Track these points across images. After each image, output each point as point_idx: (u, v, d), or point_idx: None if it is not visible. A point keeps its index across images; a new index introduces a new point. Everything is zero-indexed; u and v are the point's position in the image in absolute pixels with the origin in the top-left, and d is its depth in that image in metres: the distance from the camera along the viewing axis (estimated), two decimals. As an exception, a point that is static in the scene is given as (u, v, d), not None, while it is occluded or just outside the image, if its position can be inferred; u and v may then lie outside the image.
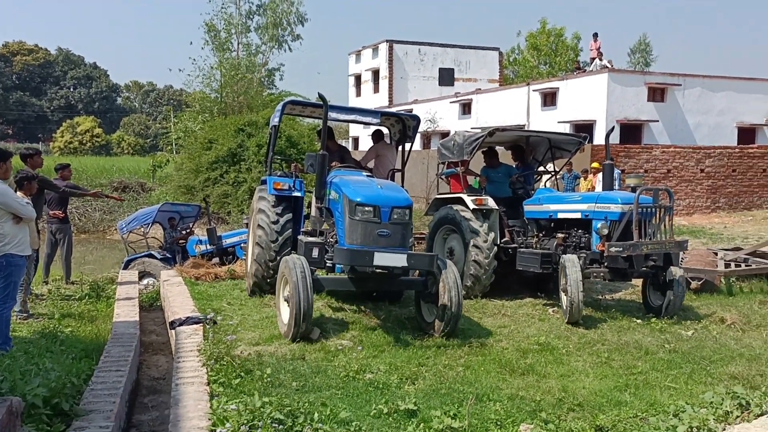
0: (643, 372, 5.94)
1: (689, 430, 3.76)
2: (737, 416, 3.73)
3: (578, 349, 6.69)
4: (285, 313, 6.68)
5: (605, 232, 7.83)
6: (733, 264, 10.18)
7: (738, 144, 26.43)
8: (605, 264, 7.87)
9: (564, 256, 7.83)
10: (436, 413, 4.53)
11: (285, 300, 6.69)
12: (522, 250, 8.88)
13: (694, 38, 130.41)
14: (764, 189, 23.79)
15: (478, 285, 8.81)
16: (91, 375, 5.38)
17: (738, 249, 11.33)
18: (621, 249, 7.62)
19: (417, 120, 9.08)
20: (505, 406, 4.92)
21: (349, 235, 6.55)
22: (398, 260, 6.36)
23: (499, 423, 4.52)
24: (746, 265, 10.07)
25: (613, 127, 10.40)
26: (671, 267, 8.03)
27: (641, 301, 8.77)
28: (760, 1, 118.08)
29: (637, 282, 9.25)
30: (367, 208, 6.48)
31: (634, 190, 8.46)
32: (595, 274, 8.00)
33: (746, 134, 28.26)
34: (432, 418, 4.49)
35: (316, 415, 4.45)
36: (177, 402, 4.71)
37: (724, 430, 3.64)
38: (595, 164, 16.20)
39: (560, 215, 8.66)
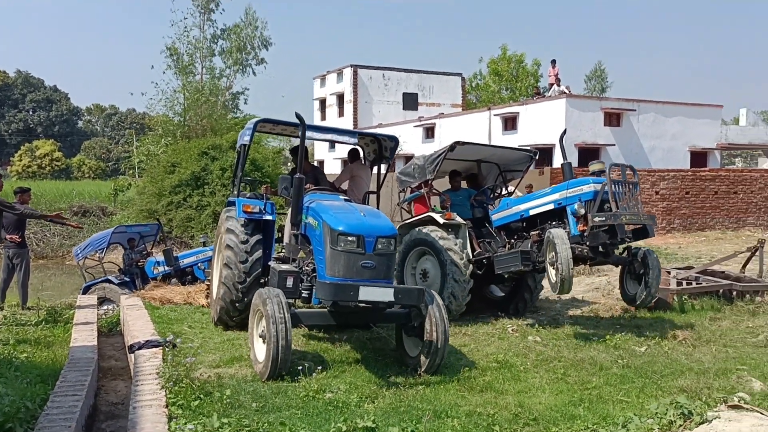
0: (597, 387, 6.10)
1: (635, 439, 3.92)
2: (680, 425, 3.90)
3: (535, 366, 6.85)
4: (260, 350, 6.23)
5: (582, 212, 7.98)
6: (684, 282, 10.52)
7: (691, 167, 27.34)
8: (587, 243, 8.01)
9: (551, 230, 7.88)
10: (394, 430, 4.60)
11: (260, 336, 6.25)
12: (499, 253, 8.94)
13: (647, 65, 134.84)
14: (716, 210, 24.61)
15: (456, 303, 8.75)
16: (46, 400, 5.31)
17: (689, 268, 11.71)
18: (604, 218, 7.76)
19: (395, 141, 8.75)
20: (463, 422, 5.02)
21: (330, 266, 6.14)
22: (385, 295, 5.99)
23: (455, 438, 4.61)
24: (697, 284, 10.41)
25: (565, 130, 10.63)
26: (646, 251, 8.28)
27: (604, 318, 8.97)
28: (708, 31, 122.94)
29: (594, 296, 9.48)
30: (350, 238, 6.07)
31: (598, 175, 8.61)
32: (578, 251, 8.04)
33: (698, 158, 29.29)
34: (390, 434, 4.56)
35: (275, 434, 4.48)
36: (134, 425, 4.69)
37: (667, 438, 3.81)
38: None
39: (532, 212, 8.77)
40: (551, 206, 8.52)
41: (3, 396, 4.70)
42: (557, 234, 7.68)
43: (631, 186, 8.17)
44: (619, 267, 8.84)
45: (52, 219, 11.44)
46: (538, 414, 5.30)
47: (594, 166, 8.85)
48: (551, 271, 7.79)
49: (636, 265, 8.45)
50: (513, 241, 9.23)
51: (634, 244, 8.49)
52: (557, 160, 25.86)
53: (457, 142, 9.33)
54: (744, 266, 11.08)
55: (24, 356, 7.12)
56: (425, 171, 9.53)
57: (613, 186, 7.92)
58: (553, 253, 7.64)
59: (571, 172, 9.12)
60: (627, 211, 7.93)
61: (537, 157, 10.30)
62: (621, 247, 8.47)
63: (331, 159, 42.20)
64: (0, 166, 72.68)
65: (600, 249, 8.15)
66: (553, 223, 8.57)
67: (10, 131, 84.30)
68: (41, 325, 9.12)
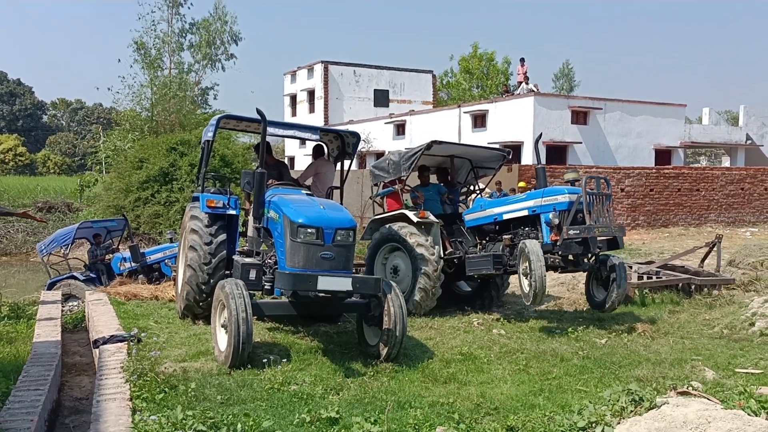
0: (557, 377, 6.28)
1: (588, 424, 4.05)
2: (631, 411, 4.04)
3: (499, 358, 6.99)
4: (222, 340, 6.35)
5: (556, 222, 8.14)
6: (645, 276, 10.80)
7: (655, 165, 27.94)
8: (559, 253, 8.20)
9: (524, 241, 8.03)
10: (357, 420, 4.68)
11: (222, 326, 6.37)
12: (470, 255, 9.06)
13: (614, 65, 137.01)
14: (680, 207, 25.21)
15: (427, 298, 8.86)
16: (8, 394, 5.27)
17: (651, 263, 12.01)
18: (578, 231, 7.97)
19: (357, 137, 8.89)
20: (425, 411, 5.12)
21: (290, 257, 6.27)
22: (343, 284, 6.14)
23: (417, 427, 4.71)
24: (658, 278, 10.70)
25: (541, 134, 10.76)
26: (611, 257, 8.52)
27: (567, 311, 9.15)
28: (673, 31, 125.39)
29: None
30: (309, 230, 6.21)
31: (572, 184, 8.79)
32: (551, 261, 8.26)
33: (663, 156, 29.93)
34: (353, 424, 4.64)
35: (239, 425, 4.52)
36: (98, 418, 4.69)
37: (619, 423, 3.95)
38: (521, 183, 16.87)
39: (506, 216, 8.91)
40: (525, 212, 8.68)
41: (-37, 390, 4.66)
42: (532, 248, 7.75)
43: (604, 197, 8.36)
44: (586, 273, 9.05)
45: (21, 215, 11.14)
46: (499, 403, 5.44)
47: (568, 175, 9.03)
48: (524, 282, 7.93)
49: (602, 272, 8.65)
50: (485, 242, 9.36)
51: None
52: (526, 158, 26.22)
53: (434, 141, 9.44)
54: (702, 261, 11.42)
55: (-15, 352, 7.05)
56: (400, 167, 9.58)
57: (587, 197, 8.10)
58: (527, 264, 7.76)
59: (545, 177, 9.30)
60: (599, 224, 8.14)
61: (510, 156, 10.45)
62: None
63: (301, 155, 42.08)
64: (-39, 161, 70.83)
65: (571, 258, 8.35)
66: (526, 228, 8.73)
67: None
68: (3, 321, 9.02)
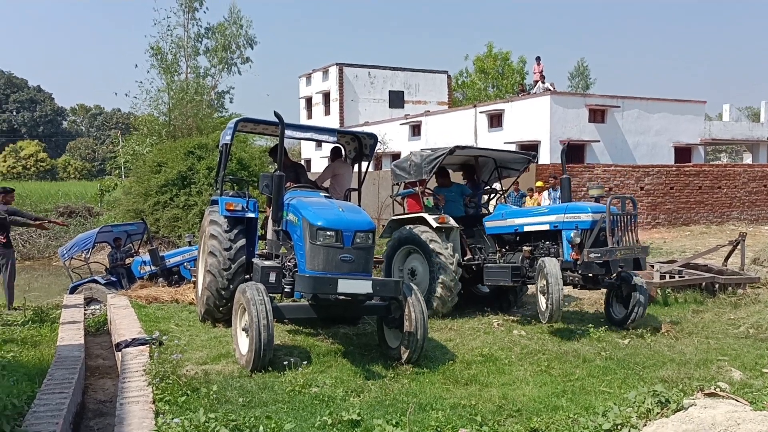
0: (580, 378, 6.21)
1: (614, 427, 4.01)
2: (657, 413, 3.99)
3: (520, 359, 6.94)
4: (243, 343, 6.37)
5: (578, 241, 8.01)
6: (668, 276, 10.67)
7: (675, 163, 27.61)
8: (579, 271, 8.08)
9: (543, 258, 7.91)
10: (379, 422, 4.67)
11: (243, 330, 6.40)
12: (489, 265, 8.98)
13: (630, 63, 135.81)
14: (701, 205, 24.88)
15: (444, 305, 8.80)
16: (33, 397, 5.32)
17: (673, 261, 11.86)
18: (599, 255, 7.84)
19: (374, 138, 8.90)
20: (447, 414, 5.09)
21: (310, 260, 6.28)
22: (363, 287, 6.11)
23: (438, 429, 4.68)
24: (680, 277, 10.56)
25: (567, 144, 10.67)
26: (634, 278, 8.37)
27: (588, 312, 9.04)
28: (691, 27, 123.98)
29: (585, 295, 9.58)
30: (328, 233, 6.21)
31: (597, 200, 8.68)
32: (570, 279, 8.17)
33: (682, 153, 29.56)
34: (374, 426, 4.63)
35: (261, 428, 4.54)
36: (121, 421, 4.72)
37: (645, 425, 3.90)
38: (539, 183, 16.75)
39: (527, 228, 8.81)
40: (547, 227, 8.55)
41: (-11, 394, 4.71)
42: (551, 268, 7.58)
43: (629, 217, 8.21)
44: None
45: (38, 226, 11.18)
46: (521, 405, 5.39)
47: (593, 191, 8.92)
48: (541, 299, 7.80)
49: (624, 289, 8.51)
50: (504, 251, 9.28)
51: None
52: (543, 157, 26.05)
53: (457, 147, 9.43)
54: (726, 259, 11.26)
55: (10, 356, 7.13)
56: (421, 170, 9.52)
57: (611, 218, 7.97)
58: (544, 283, 7.65)
59: (570, 189, 9.21)
60: (622, 246, 7.99)
61: (535, 161, 10.35)
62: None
63: (318, 157, 42.14)
64: (-16, 168, 71.95)
65: (591, 276, 8.23)
66: (547, 243, 8.61)
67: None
68: (28, 325, 9.11)
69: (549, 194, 15.35)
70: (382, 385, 5.91)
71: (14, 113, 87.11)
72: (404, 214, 9.83)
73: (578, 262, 8.01)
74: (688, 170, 24.96)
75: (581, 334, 8.01)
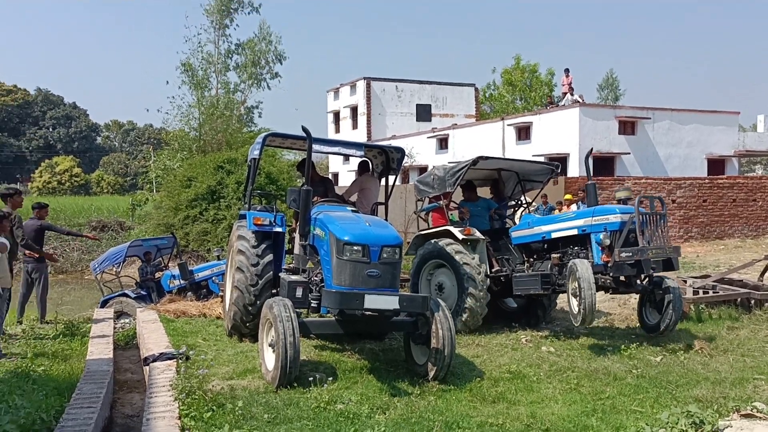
0: (610, 397, 6.07)
1: (646, 449, 3.89)
2: (691, 434, 3.87)
3: (548, 376, 6.81)
4: (270, 359, 6.33)
5: (607, 242, 7.92)
6: (701, 291, 10.40)
7: (708, 175, 27.09)
8: (610, 274, 7.96)
9: (574, 260, 7.80)
10: (404, 440, 4.61)
11: (270, 346, 6.36)
12: (518, 274, 8.88)
13: (660, 73, 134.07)
14: (735, 218, 24.33)
15: (473, 318, 8.71)
16: (62, 412, 5.37)
17: (706, 276, 11.57)
18: (630, 254, 7.73)
19: (401, 152, 8.84)
20: (474, 432, 5.01)
21: (336, 275, 6.24)
22: (390, 303, 6.06)
23: (465, 449, 4.60)
24: (714, 292, 10.29)
25: (591, 149, 10.48)
26: (666, 280, 8.23)
27: (619, 328, 8.85)
28: (722, 36, 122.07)
29: (611, 309, 9.39)
30: (355, 248, 6.16)
31: (624, 202, 8.53)
32: (602, 282, 8.03)
33: (715, 165, 29.02)
34: (400, 445, 4.57)
35: (285, 445, 4.50)
36: (148, 436, 4.73)
37: (679, 447, 3.78)
38: (567, 196, 16.56)
39: (554, 234, 8.70)
40: (575, 231, 8.45)
41: (19, 408, 4.78)
42: (582, 269, 7.48)
43: (658, 217, 8.08)
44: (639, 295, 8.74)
45: (71, 233, 11.40)
46: (550, 424, 5.28)
47: (620, 194, 8.78)
48: (573, 302, 7.69)
49: (656, 294, 8.35)
50: (532, 260, 9.17)
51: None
52: (572, 170, 25.78)
53: (481, 157, 9.31)
54: (762, 274, 10.94)
55: (41, 369, 7.23)
56: (445, 183, 9.47)
57: (641, 218, 7.86)
58: (576, 285, 7.53)
59: (596, 194, 9.08)
60: (653, 245, 7.85)
61: (559, 170, 10.24)
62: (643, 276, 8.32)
63: (345, 171, 42.35)
64: (21, 183, 73.81)
65: (623, 280, 8.09)
66: (576, 248, 8.49)
67: (30, 148, 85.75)
68: (59, 339, 9.25)
69: (578, 207, 15.18)
70: (408, 402, 5.85)
71: (50, 129, 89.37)
72: (429, 228, 9.77)
73: (609, 264, 7.89)
74: (721, 182, 24.45)
75: (612, 351, 7.85)
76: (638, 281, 8.34)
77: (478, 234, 9.06)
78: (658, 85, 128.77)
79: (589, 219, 8.30)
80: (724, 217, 24.15)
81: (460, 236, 8.92)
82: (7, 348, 8.41)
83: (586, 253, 8.34)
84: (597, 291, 7.64)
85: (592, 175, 9.46)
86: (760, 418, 4.00)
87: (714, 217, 23.97)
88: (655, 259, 7.90)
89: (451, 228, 9.13)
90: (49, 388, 6.28)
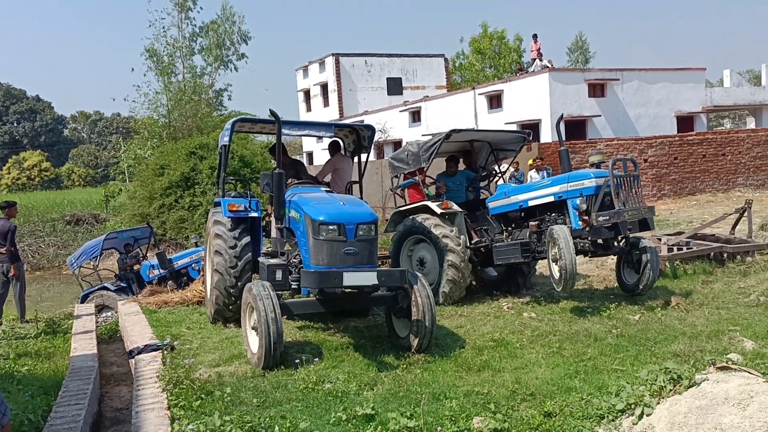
0: (592, 358, 6.21)
1: (627, 406, 4.01)
2: (670, 390, 3.98)
3: (531, 341, 6.94)
4: (254, 342, 6.40)
5: (584, 207, 8.04)
6: (675, 248, 10.62)
7: (678, 132, 27.44)
8: (588, 237, 8.12)
9: (552, 227, 7.93)
10: (393, 415, 4.68)
11: (253, 329, 6.42)
12: (498, 244, 8.99)
13: (628, 33, 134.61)
14: (705, 174, 24.74)
15: (456, 289, 8.82)
16: (49, 411, 5.36)
17: (680, 233, 11.80)
18: (607, 217, 7.88)
19: (372, 130, 8.85)
20: (461, 402, 5.10)
21: (314, 255, 6.31)
22: (368, 279, 6.14)
23: (453, 419, 4.69)
24: (688, 248, 10.51)
25: (562, 115, 10.54)
26: (642, 240, 8.42)
27: (598, 289, 9.03)
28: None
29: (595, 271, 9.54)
30: (331, 227, 6.23)
31: (598, 166, 8.66)
32: (581, 246, 8.18)
33: (685, 122, 29.38)
34: (389, 420, 4.64)
35: (276, 428, 4.56)
36: (138, 429, 4.75)
37: (658, 403, 3.89)
38: (530, 161, 16.66)
39: (531, 203, 8.82)
40: (551, 198, 8.55)
41: (5, 410, 4.74)
42: (561, 234, 7.63)
43: (632, 179, 8.21)
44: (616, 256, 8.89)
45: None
46: (534, 389, 5.39)
47: (593, 158, 8.88)
48: (554, 268, 7.83)
49: (633, 255, 8.51)
50: (510, 229, 9.27)
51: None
52: (545, 136, 25.93)
53: (454, 130, 9.36)
54: (733, 228, 11.19)
55: (25, 369, 7.19)
56: (419, 158, 9.50)
57: (615, 180, 7.97)
58: (556, 250, 7.66)
59: (569, 160, 9.16)
60: (629, 207, 8.00)
61: (531, 138, 10.30)
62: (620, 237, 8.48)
63: (319, 150, 42.12)
64: (-11, 181, 72.31)
65: (601, 242, 8.23)
66: (553, 215, 8.60)
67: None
68: (41, 337, 9.18)
69: (537, 173, 15.33)
70: (395, 376, 5.93)
71: (15, 124, 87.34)
72: (406, 205, 9.80)
73: (587, 228, 8.03)
74: (691, 139, 24.79)
75: (591, 313, 8.01)
76: (615, 243, 8.51)
77: (455, 207, 9.12)
78: (627, 46, 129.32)
79: (565, 185, 8.40)
80: (695, 173, 24.55)
81: (438, 210, 8.97)
82: (-12, 350, 8.33)
83: (563, 219, 8.46)
84: (576, 255, 7.77)
85: (564, 140, 9.54)
86: (735, 369, 4.13)
87: (685, 173, 24.34)
88: (631, 221, 8.06)
89: (428, 203, 9.17)
90: (35, 388, 6.26)
